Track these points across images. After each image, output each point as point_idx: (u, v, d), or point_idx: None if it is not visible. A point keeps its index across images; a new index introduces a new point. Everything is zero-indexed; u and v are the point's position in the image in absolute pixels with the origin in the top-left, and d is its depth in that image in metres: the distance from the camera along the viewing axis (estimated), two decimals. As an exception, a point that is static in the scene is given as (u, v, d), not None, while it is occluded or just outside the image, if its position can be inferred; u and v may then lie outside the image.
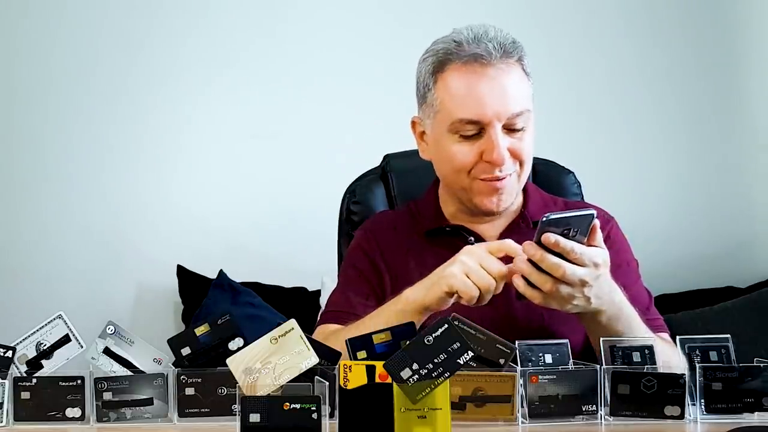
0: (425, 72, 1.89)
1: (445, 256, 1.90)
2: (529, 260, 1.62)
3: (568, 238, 1.59)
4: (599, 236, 1.65)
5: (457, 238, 1.93)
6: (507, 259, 1.69)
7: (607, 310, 1.69)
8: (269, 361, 1.41)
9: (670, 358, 1.64)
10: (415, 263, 1.93)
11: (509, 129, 1.84)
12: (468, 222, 1.95)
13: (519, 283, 1.64)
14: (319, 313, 2.04)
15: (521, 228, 1.94)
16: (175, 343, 1.59)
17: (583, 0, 3.63)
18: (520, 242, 1.90)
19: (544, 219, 1.58)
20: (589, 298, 1.64)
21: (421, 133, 1.95)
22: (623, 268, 1.90)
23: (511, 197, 1.90)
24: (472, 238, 1.92)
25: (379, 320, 1.72)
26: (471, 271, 1.67)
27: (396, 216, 2.07)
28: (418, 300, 1.72)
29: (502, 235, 1.93)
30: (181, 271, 3.43)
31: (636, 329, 1.73)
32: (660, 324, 1.92)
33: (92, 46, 3.50)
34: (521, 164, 1.88)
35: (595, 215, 1.62)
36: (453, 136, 1.86)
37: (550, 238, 1.58)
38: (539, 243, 1.60)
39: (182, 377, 1.55)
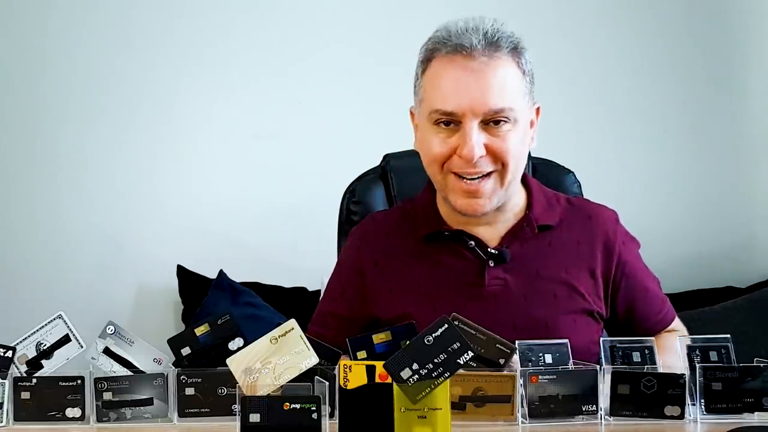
0: (417, 62, 1.86)
1: (446, 262, 1.85)
2: None
3: None
4: None
5: (458, 243, 1.87)
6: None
7: None
8: (269, 361, 1.41)
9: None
10: (416, 270, 1.87)
11: (489, 125, 1.77)
12: (467, 226, 1.87)
13: None
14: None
15: (525, 232, 1.86)
16: (175, 343, 1.59)
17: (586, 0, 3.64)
18: (523, 247, 1.85)
19: None
20: None
21: (416, 125, 1.91)
22: (641, 294, 1.91)
23: (491, 201, 1.81)
24: (473, 243, 1.85)
25: None
26: None
27: (387, 219, 1.98)
28: None
29: (504, 240, 1.86)
30: (181, 271, 3.43)
31: None
32: (671, 317, 1.96)
33: (90, 47, 3.50)
34: (504, 165, 1.78)
35: None
36: (433, 127, 1.81)
37: None
38: None
39: (182, 377, 1.55)
